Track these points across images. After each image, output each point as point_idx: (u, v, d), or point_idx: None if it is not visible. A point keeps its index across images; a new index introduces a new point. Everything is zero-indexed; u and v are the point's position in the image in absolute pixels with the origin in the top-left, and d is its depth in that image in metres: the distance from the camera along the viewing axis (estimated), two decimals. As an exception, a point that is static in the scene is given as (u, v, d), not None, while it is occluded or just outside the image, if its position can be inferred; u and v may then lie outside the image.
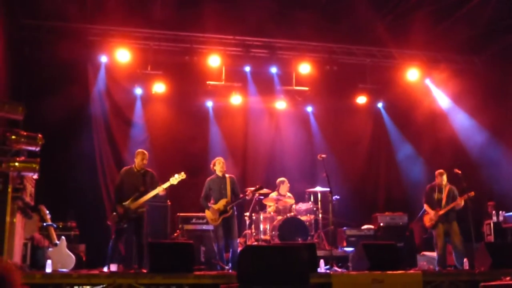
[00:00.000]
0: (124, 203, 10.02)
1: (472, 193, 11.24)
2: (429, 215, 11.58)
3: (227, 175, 11.09)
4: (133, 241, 10.23)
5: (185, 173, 10.42)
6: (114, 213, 10.04)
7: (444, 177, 11.61)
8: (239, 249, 10.38)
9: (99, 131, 13.62)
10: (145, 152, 10.58)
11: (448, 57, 15.08)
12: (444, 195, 11.57)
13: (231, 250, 10.77)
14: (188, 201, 12.80)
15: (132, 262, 10.16)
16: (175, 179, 10.29)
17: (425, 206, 11.77)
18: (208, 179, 11.10)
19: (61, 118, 12.30)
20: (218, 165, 11.08)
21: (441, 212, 11.39)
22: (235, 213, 11.10)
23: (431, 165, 13.89)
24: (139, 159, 10.43)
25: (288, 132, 15.42)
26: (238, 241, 11.27)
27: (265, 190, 12.17)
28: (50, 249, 9.79)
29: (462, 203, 11.31)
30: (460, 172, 11.43)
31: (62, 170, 12.56)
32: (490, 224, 13.15)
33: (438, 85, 15.28)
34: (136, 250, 10.21)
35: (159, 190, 10.13)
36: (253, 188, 11.36)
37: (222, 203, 10.83)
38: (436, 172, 11.80)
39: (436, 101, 15.31)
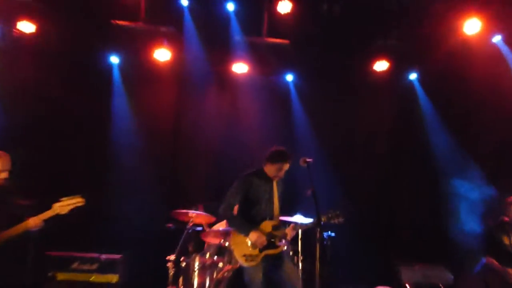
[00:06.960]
0: None
1: None
2: (501, 274, 8.48)
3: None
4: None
5: (81, 197, 6.59)
6: None
7: None
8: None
9: None
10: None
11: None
12: None
13: None
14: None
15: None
16: (65, 205, 6.39)
17: (487, 259, 8.57)
18: (246, 174, 7.33)
19: None
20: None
21: None
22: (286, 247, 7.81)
23: (493, 179, 10.24)
24: None
25: (252, 115, 11.63)
26: None
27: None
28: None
29: None
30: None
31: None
32: None
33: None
34: None
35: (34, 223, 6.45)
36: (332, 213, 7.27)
37: (268, 224, 7.19)
38: (509, 200, 8.66)
39: (509, 73, 10.96)
